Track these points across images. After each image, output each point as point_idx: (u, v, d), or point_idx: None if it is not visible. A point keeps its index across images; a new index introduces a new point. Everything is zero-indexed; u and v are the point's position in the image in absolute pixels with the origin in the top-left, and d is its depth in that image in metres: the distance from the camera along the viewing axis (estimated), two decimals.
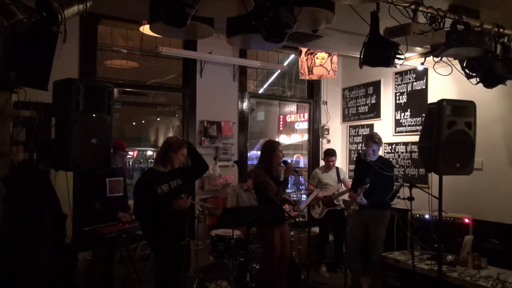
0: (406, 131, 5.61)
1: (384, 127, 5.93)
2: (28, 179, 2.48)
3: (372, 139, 4.57)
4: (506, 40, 3.60)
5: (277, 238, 4.05)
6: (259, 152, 4.78)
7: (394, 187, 4.38)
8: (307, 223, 5.61)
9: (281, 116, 9.43)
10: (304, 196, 6.37)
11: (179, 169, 3.63)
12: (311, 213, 5.63)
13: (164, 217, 3.37)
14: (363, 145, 5.12)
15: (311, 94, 6.64)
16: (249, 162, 6.27)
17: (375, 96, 6.15)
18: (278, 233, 4.07)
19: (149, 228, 3.45)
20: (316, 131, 6.57)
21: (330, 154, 5.68)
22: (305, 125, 7.05)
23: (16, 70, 2.34)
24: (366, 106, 6.28)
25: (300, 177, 6.49)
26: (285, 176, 4.12)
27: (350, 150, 6.57)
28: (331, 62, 5.64)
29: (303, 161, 7.65)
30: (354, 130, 6.53)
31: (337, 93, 6.79)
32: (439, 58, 3.59)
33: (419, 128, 5.15)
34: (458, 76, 3.95)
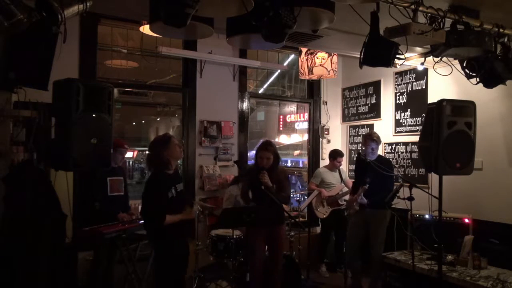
0: (406, 131, 5.61)
1: (384, 127, 5.93)
2: (28, 179, 2.48)
3: (371, 137, 4.57)
4: (506, 40, 3.60)
5: (258, 240, 3.89)
6: None
7: (394, 187, 4.38)
8: (307, 223, 5.62)
9: (281, 116, 9.42)
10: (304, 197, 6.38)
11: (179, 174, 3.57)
12: (316, 213, 5.62)
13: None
14: (362, 145, 5.12)
15: (311, 94, 6.64)
16: (249, 162, 6.26)
17: (375, 96, 6.15)
18: (261, 235, 3.88)
19: (156, 228, 3.37)
20: (316, 131, 6.57)
21: (341, 154, 5.69)
22: (305, 125, 7.05)
23: (16, 70, 2.34)
24: (366, 106, 6.28)
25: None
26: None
27: (350, 150, 6.56)
28: (331, 62, 5.64)
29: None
30: (354, 130, 6.52)
31: (337, 93, 6.79)
32: (439, 58, 3.59)
33: (419, 128, 5.15)
34: (458, 76, 3.95)
